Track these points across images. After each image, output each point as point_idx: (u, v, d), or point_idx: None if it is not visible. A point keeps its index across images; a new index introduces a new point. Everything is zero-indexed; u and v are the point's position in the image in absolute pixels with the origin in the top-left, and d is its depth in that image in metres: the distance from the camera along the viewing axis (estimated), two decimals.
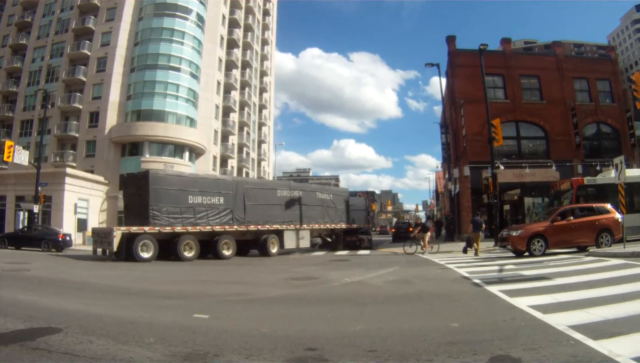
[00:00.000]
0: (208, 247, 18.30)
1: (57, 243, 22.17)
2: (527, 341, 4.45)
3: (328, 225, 23.88)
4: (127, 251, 15.98)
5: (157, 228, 16.86)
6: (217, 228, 18.54)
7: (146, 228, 16.62)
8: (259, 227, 20.07)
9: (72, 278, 11.04)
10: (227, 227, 18.89)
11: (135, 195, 18.01)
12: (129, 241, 16.07)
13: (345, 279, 10.51)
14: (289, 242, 21.11)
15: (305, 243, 22.00)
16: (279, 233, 20.75)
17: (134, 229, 16.47)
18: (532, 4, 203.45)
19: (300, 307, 7.15)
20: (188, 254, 17.16)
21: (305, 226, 22.11)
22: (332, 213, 24.24)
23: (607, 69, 29.83)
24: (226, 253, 18.34)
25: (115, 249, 15.95)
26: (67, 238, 23.07)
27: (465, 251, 17.98)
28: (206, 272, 13.67)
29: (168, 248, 17.10)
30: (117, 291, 9.00)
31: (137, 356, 4.13)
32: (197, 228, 17.95)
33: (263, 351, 4.33)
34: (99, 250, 17.48)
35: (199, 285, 10.44)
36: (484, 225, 18.50)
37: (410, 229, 21.02)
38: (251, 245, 20.64)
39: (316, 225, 22.93)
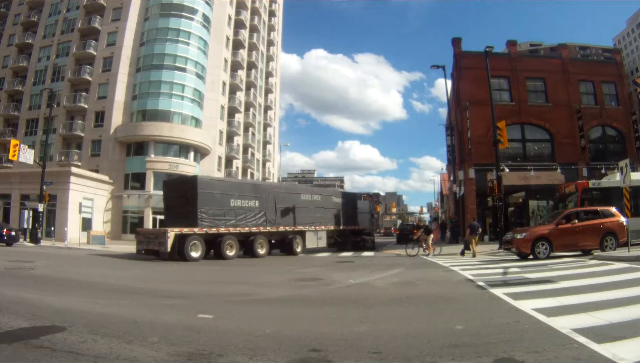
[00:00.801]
0: (242, 247, 19.33)
1: (1, 238, 23.02)
2: (530, 344, 4.44)
3: (341, 227, 25.06)
4: (178, 251, 16.74)
5: (204, 229, 17.90)
6: (254, 229, 19.75)
7: (195, 229, 17.61)
8: (286, 228, 21.36)
9: (76, 277, 11.06)
10: (262, 228, 20.14)
11: (180, 198, 19.00)
12: (180, 241, 16.82)
13: (350, 280, 10.52)
14: (310, 242, 22.28)
15: (322, 243, 23.20)
16: (302, 234, 21.87)
17: (185, 230, 17.35)
18: (538, 7, 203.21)
19: (305, 308, 7.16)
20: (229, 253, 18.31)
21: (323, 227, 23.34)
22: (343, 216, 25.41)
23: (613, 71, 29.69)
24: (260, 252, 19.43)
25: (169, 249, 16.59)
26: (12, 233, 23.74)
27: (462, 253, 18.33)
28: (213, 272, 13.68)
29: (210, 248, 18.27)
30: (122, 290, 9.03)
31: (141, 355, 4.14)
32: (237, 229, 19.10)
33: (267, 351, 4.34)
34: (143, 250, 18.21)
35: (205, 285, 10.46)
36: (480, 229, 19.39)
37: (415, 231, 21.04)
38: (275, 245, 21.51)
39: (332, 227, 24.17)
